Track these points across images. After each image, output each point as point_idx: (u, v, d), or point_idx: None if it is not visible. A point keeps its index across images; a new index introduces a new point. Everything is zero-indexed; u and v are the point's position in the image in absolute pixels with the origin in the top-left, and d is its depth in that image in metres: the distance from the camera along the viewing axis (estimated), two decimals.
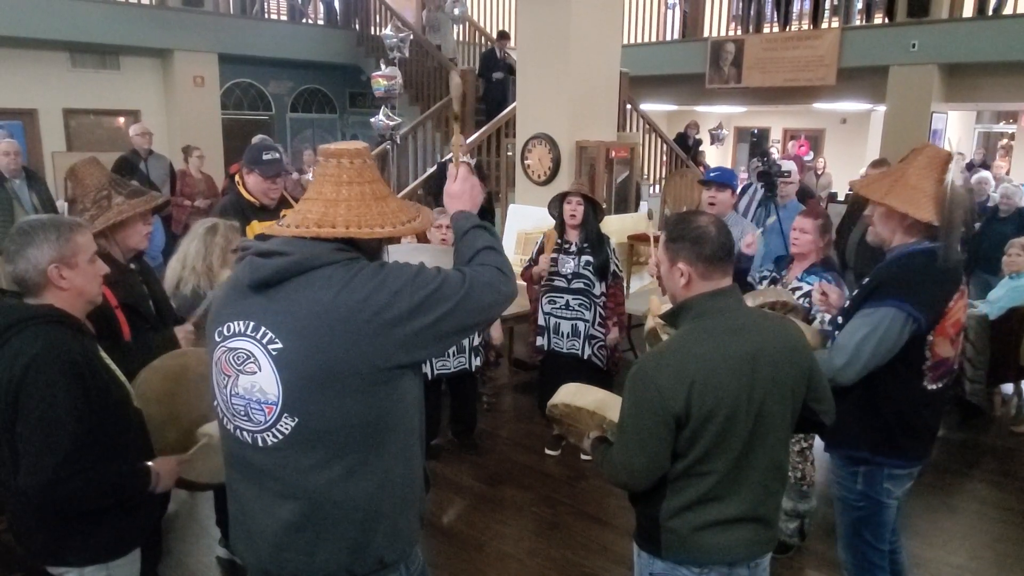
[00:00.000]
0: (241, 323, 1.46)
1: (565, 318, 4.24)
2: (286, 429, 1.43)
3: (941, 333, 2.25)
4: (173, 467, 2.04)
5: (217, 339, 1.51)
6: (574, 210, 4.18)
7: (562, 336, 4.27)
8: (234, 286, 1.52)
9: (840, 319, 2.36)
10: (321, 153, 1.53)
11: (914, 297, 2.16)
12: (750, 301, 2.50)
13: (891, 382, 2.26)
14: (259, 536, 1.53)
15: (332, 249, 1.46)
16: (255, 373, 1.44)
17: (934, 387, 2.31)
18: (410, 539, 1.61)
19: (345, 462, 1.46)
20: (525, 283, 4.45)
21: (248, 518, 1.55)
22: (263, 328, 1.43)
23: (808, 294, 3.06)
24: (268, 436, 1.45)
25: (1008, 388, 5.20)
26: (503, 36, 10.08)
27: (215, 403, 1.56)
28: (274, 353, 1.42)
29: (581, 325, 4.21)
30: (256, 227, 3.41)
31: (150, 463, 1.97)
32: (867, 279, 2.31)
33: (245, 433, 1.48)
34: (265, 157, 3.48)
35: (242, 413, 1.47)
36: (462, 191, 1.74)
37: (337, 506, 1.47)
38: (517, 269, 4.97)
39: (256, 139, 5.02)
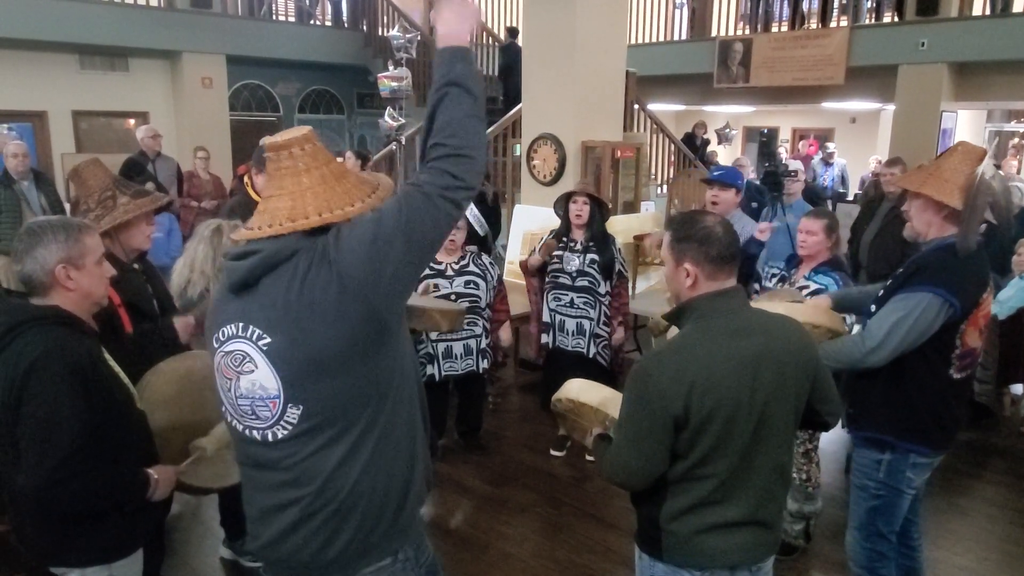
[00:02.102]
0: (232, 326, 1.50)
1: (570, 316, 4.24)
2: (293, 419, 1.47)
3: (973, 323, 2.31)
4: (171, 476, 2.05)
5: (215, 345, 1.54)
6: (580, 210, 4.18)
7: (567, 334, 4.26)
8: (221, 292, 1.57)
9: (873, 307, 2.40)
10: (268, 148, 1.51)
11: (952, 284, 2.21)
12: (766, 303, 2.51)
13: (920, 368, 2.32)
14: (276, 530, 1.55)
15: (297, 237, 1.46)
16: (253, 371, 1.47)
17: (959, 376, 2.37)
18: (418, 525, 1.67)
19: (349, 437, 1.48)
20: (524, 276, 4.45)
21: (265, 514, 1.57)
22: (251, 326, 1.47)
23: (815, 292, 3.09)
24: (278, 430, 1.48)
25: (1017, 388, 5.14)
26: (513, 33, 10.08)
27: (222, 408, 1.58)
28: (265, 348, 1.45)
29: (586, 323, 4.20)
30: None
31: (151, 470, 1.97)
32: (902, 268, 2.37)
33: (255, 432, 1.51)
34: None
35: (249, 412, 1.50)
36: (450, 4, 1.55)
37: (349, 492, 1.50)
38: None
39: (264, 140, 5.03)
